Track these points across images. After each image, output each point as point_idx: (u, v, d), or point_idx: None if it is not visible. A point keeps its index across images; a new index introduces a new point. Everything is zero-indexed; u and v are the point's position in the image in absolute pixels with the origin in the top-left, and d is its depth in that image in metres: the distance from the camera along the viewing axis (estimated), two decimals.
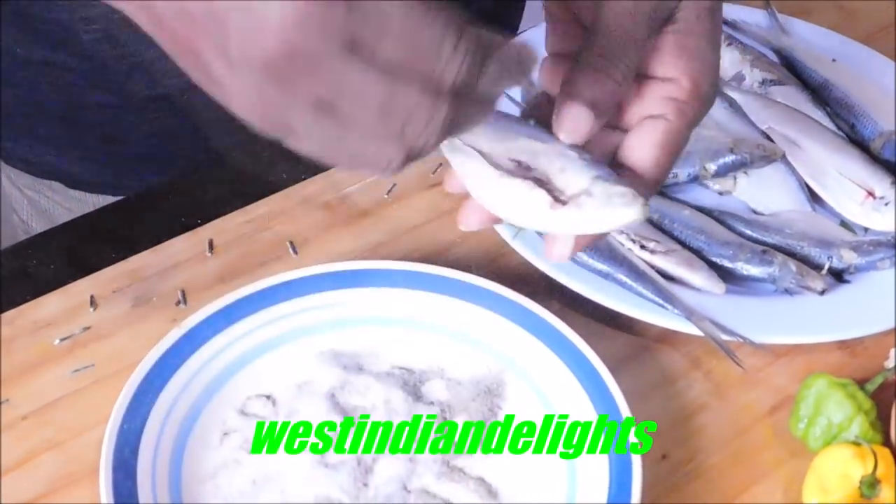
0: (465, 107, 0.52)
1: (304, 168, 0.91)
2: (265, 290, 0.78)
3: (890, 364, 0.78)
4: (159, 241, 0.85)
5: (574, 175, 0.56)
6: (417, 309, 0.79)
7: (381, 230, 0.87)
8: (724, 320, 0.80)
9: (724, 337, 0.79)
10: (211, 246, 0.85)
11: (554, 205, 0.55)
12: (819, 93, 0.99)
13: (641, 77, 0.61)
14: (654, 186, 0.61)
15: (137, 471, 0.68)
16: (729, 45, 1.02)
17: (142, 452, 0.68)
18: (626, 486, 0.69)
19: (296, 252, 0.85)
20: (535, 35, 1.01)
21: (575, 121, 0.58)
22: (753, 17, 1.07)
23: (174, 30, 0.52)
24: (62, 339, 0.78)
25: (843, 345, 0.81)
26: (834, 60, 1.02)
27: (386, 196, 0.89)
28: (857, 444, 0.71)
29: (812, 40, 1.05)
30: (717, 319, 0.79)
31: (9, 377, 0.75)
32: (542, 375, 0.76)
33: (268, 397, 0.74)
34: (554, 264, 0.81)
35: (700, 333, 0.79)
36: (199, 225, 0.86)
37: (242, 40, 0.50)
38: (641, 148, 0.60)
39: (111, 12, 0.91)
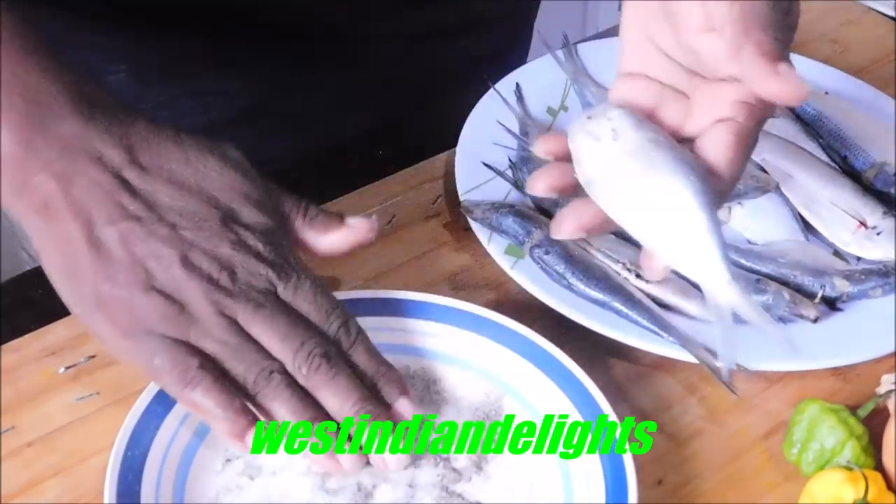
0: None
1: (307, 200, 0.92)
2: None
3: (881, 390, 0.79)
4: None
5: None
6: (417, 337, 0.80)
7: (382, 260, 0.88)
8: (719, 347, 0.80)
9: (719, 364, 0.80)
10: None
11: None
12: (812, 125, 1.00)
13: (707, 80, 0.66)
14: (731, 184, 0.66)
15: (141, 496, 0.69)
16: None
17: (145, 478, 0.69)
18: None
19: None
20: (539, 65, 1.03)
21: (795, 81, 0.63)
22: None
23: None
24: (67, 368, 0.79)
25: (835, 371, 0.82)
26: (826, 93, 1.03)
27: (387, 227, 0.91)
28: (848, 468, 0.72)
29: (805, 73, 1.06)
30: (712, 346, 0.80)
31: (14, 405, 0.76)
32: (540, 402, 0.77)
33: None
34: (552, 295, 0.83)
35: (695, 360, 0.80)
36: None
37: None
38: (715, 149, 0.65)
39: (136, 53, 0.94)
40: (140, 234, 0.67)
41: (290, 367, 0.69)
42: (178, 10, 0.91)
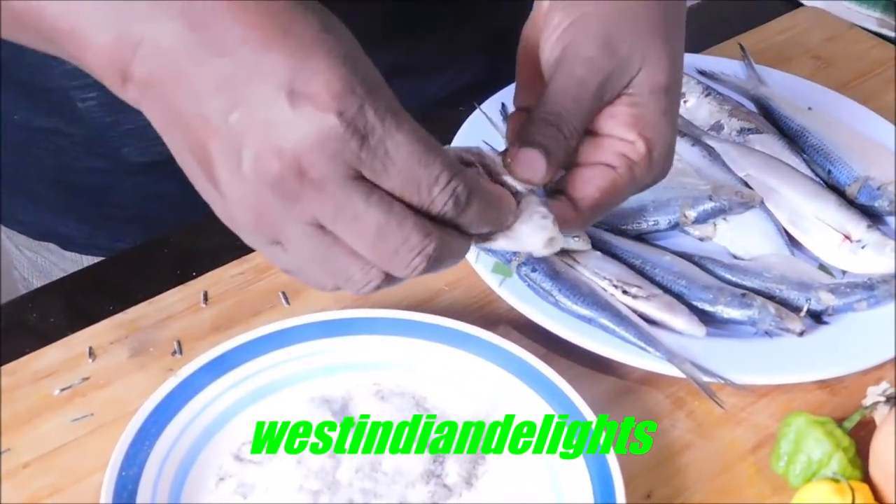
0: (448, 240, 0.57)
1: None
2: (258, 338, 0.80)
3: (868, 402, 0.80)
4: (155, 294, 0.87)
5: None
6: (407, 354, 0.81)
7: None
8: (706, 362, 0.81)
9: (706, 378, 0.80)
10: (206, 297, 0.87)
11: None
12: (796, 140, 1.02)
13: (600, 134, 0.65)
14: (581, 225, 0.66)
15: None
16: (707, 95, 1.04)
17: (140, 497, 0.70)
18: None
19: (288, 302, 0.87)
20: None
21: (529, 162, 0.61)
22: (731, 67, 1.10)
23: (188, 126, 0.55)
24: (62, 389, 0.80)
25: (822, 384, 0.83)
26: (810, 108, 1.04)
27: None
28: (836, 480, 0.73)
29: (789, 89, 1.08)
30: (699, 361, 0.81)
31: (11, 426, 0.77)
32: (528, 418, 0.78)
33: None
34: (539, 311, 0.83)
35: (682, 375, 0.81)
36: (194, 277, 0.88)
37: (257, 153, 0.53)
38: (585, 186, 0.64)
39: None
40: None
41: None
42: None
